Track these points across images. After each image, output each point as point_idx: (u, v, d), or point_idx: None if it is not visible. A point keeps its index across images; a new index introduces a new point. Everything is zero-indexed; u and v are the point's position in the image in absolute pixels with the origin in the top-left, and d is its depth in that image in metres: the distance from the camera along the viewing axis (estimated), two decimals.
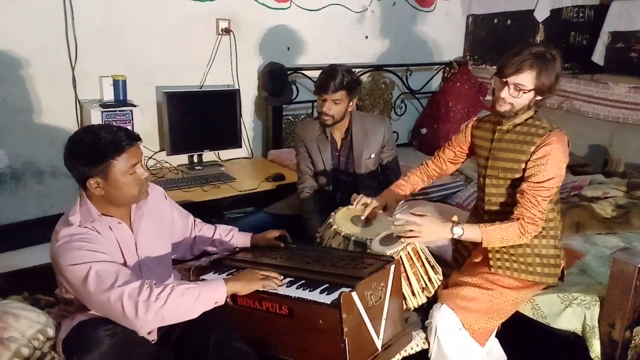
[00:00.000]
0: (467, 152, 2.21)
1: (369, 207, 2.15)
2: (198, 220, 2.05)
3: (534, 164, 1.88)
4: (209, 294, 1.55)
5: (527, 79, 1.84)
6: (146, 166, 1.73)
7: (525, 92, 1.86)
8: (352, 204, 2.19)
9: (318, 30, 3.76)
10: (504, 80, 1.87)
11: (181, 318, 1.53)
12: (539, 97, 1.90)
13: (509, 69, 1.85)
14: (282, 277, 1.71)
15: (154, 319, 1.48)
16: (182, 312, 1.51)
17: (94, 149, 1.55)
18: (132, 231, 1.70)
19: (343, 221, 2.17)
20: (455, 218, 1.94)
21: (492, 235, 1.88)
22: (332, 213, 2.20)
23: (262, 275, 1.67)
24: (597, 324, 1.93)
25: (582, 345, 1.95)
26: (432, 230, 1.89)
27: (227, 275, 1.83)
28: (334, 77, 2.43)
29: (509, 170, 1.96)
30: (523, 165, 1.92)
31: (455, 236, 1.90)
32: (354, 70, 2.57)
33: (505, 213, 1.96)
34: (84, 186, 1.59)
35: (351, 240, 2.03)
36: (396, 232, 1.91)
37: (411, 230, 1.86)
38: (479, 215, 2.13)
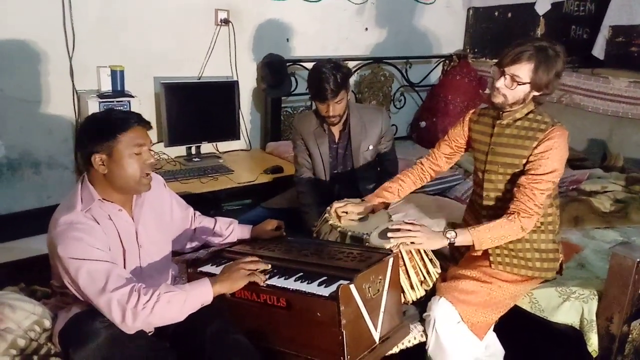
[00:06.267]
0: (465, 146, 2.18)
1: (360, 211, 2.12)
2: (198, 213, 2.05)
3: (535, 157, 1.87)
4: (196, 297, 1.55)
5: (523, 70, 1.82)
6: None
7: (520, 85, 1.84)
8: (346, 200, 2.15)
9: (318, 22, 3.74)
10: (502, 70, 1.86)
11: (169, 322, 1.54)
12: (535, 93, 1.88)
13: (508, 58, 1.84)
14: (269, 269, 1.69)
15: (141, 326, 1.49)
16: (169, 317, 1.53)
17: (103, 124, 1.62)
18: (132, 219, 1.69)
19: None
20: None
21: (482, 236, 1.87)
22: (328, 207, 2.15)
23: (248, 271, 1.64)
24: (595, 318, 1.93)
25: (579, 339, 1.95)
26: (427, 237, 1.87)
27: (224, 267, 1.82)
28: (327, 81, 2.33)
29: (509, 166, 1.95)
30: (524, 161, 1.90)
31: (450, 241, 1.88)
32: (346, 62, 2.54)
33: (504, 208, 1.94)
34: (89, 164, 1.59)
35: (347, 235, 2.00)
36: (390, 235, 1.88)
37: (407, 235, 1.85)
38: (476, 210, 2.12)
